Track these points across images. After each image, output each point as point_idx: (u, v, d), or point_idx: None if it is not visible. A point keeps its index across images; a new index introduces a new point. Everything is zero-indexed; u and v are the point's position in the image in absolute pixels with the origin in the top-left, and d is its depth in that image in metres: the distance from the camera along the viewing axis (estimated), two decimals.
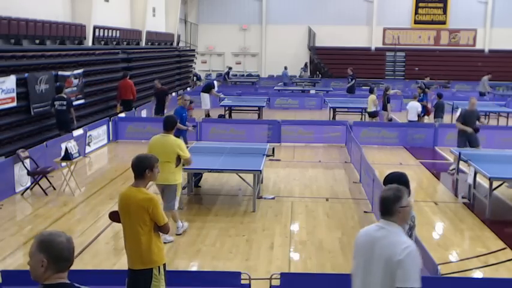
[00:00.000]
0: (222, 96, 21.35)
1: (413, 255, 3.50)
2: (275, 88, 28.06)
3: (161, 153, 7.12)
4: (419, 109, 16.36)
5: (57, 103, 13.24)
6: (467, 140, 12.14)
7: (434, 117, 16.54)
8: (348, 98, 22.96)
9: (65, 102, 13.28)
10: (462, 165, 11.36)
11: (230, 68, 33.95)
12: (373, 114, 17.39)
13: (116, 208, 5.06)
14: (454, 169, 12.22)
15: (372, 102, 17.21)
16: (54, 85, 14.14)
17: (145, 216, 4.80)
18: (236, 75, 35.47)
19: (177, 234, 8.08)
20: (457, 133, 12.42)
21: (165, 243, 7.84)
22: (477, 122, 12.29)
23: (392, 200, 3.62)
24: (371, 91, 17.71)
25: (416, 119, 16.27)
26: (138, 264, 4.84)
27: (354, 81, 25.87)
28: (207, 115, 19.74)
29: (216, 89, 21.22)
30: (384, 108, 17.27)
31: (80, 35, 17.49)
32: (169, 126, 7.94)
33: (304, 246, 7.91)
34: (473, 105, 12.39)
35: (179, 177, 7.91)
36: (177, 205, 8.03)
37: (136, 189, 4.89)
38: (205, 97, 20.41)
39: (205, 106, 20.26)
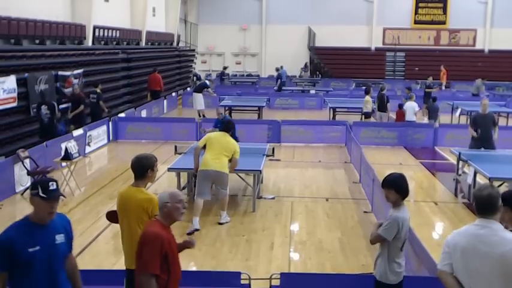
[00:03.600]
0: (214, 95, 21.52)
1: None
2: (275, 88, 28.05)
3: (220, 147, 8.52)
4: (417, 109, 16.45)
5: (91, 96, 15.49)
6: (482, 146, 11.50)
7: (429, 118, 16.66)
8: (348, 98, 22.94)
9: (95, 96, 15.53)
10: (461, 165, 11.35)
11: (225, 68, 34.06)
12: (368, 115, 17.49)
13: (114, 208, 5.06)
14: (461, 174, 11.54)
15: (367, 102, 17.37)
16: (53, 85, 14.18)
17: (144, 217, 4.79)
18: (236, 75, 35.47)
19: (219, 223, 8.68)
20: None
21: (221, 223, 8.65)
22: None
23: (496, 197, 3.64)
24: (367, 92, 17.81)
25: (414, 118, 16.36)
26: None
27: (279, 80, 26.45)
28: (203, 115, 19.67)
29: (209, 88, 21.42)
30: (382, 108, 17.31)
31: (80, 35, 17.50)
32: (228, 128, 8.92)
33: (304, 246, 7.91)
34: (485, 108, 11.57)
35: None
36: (228, 192, 8.78)
37: (136, 189, 4.88)
38: (199, 97, 20.42)
39: (200, 106, 20.26)
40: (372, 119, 17.51)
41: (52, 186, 3.72)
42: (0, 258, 3.63)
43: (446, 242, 3.84)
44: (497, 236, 3.57)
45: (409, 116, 16.29)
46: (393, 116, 18.18)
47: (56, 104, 13.18)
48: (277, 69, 28.78)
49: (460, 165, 11.36)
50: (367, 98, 17.38)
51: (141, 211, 4.78)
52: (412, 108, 16.29)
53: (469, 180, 10.42)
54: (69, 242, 3.96)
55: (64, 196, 3.92)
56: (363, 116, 17.84)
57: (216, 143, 8.58)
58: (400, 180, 4.75)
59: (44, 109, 12.70)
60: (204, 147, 8.71)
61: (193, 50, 34.02)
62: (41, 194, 3.68)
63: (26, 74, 12.96)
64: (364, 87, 19.68)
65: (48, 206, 3.70)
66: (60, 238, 3.82)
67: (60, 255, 3.84)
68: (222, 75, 32.07)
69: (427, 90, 21.77)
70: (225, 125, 9.07)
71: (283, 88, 28.50)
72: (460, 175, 11.47)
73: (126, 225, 4.86)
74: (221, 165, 8.52)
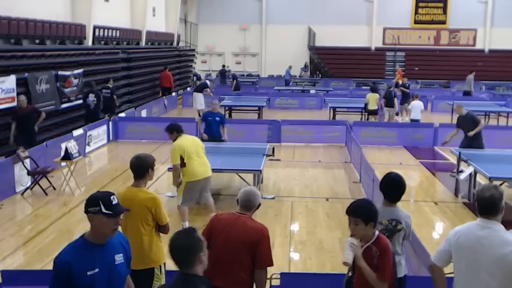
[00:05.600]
0: (212, 95, 21.47)
1: None
2: (275, 88, 28.09)
3: (196, 149, 7.99)
4: (422, 108, 16.89)
5: (104, 91, 16.42)
6: (468, 145, 11.76)
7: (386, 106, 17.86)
8: (348, 98, 22.93)
9: (109, 91, 16.67)
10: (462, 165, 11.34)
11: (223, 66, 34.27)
12: (374, 113, 17.74)
13: None
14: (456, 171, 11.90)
15: (374, 100, 17.55)
16: (54, 85, 14.18)
17: (148, 216, 4.78)
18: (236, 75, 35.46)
19: None
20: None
21: None
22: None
23: (499, 198, 3.63)
24: (374, 90, 18.02)
25: (419, 117, 16.68)
26: (140, 264, 4.81)
27: (235, 80, 27.04)
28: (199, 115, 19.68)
29: (209, 88, 21.40)
30: (390, 104, 17.79)
31: (80, 35, 17.50)
32: (180, 129, 8.09)
33: (304, 246, 7.91)
34: (459, 110, 12.23)
35: None
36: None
37: (138, 189, 4.87)
38: (199, 97, 20.45)
39: (200, 106, 20.28)
40: (378, 117, 17.94)
41: (114, 200, 3.42)
42: (58, 284, 3.32)
43: (447, 239, 3.85)
44: (499, 237, 3.57)
45: (415, 115, 16.64)
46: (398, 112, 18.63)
47: (100, 93, 15.78)
48: (228, 70, 30.85)
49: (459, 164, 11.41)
50: (376, 95, 17.63)
51: (145, 211, 4.78)
52: (418, 107, 16.65)
53: (462, 177, 10.41)
54: (128, 262, 3.65)
55: (127, 210, 3.68)
56: (367, 113, 18.02)
57: (191, 148, 7.94)
58: (402, 181, 4.80)
59: (92, 97, 15.40)
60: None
61: (193, 50, 34.04)
62: (104, 210, 3.36)
63: (26, 74, 12.96)
64: (369, 86, 20.00)
65: (113, 223, 3.41)
66: (119, 258, 3.52)
67: (120, 276, 3.54)
68: (224, 73, 32.21)
69: (402, 89, 21.78)
70: (177, 127, 8.09)
71: (285, 88, 28.59)
72: (454, 172, 11.70)
73: (130, 226, 4.83)
74: (208, 168, 8.16)
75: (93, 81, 16.15)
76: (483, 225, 3.64)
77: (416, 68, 33.89)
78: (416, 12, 35.60)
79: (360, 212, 4.16)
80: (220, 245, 4.34)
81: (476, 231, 3.66)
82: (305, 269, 7.08)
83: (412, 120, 16.70)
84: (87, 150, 13.81)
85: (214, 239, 4.37)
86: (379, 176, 5.08)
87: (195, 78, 31.89)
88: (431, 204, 10.14)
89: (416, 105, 16.71)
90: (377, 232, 4.11)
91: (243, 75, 36.36)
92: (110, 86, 17.00)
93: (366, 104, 17.99)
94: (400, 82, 28.49)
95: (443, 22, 35.46)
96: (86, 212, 3.42)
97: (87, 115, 15.50)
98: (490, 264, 3.54)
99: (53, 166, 10.88)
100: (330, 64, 34.80)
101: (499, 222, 3.63)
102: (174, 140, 7.99)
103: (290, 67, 32.52)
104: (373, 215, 4.13)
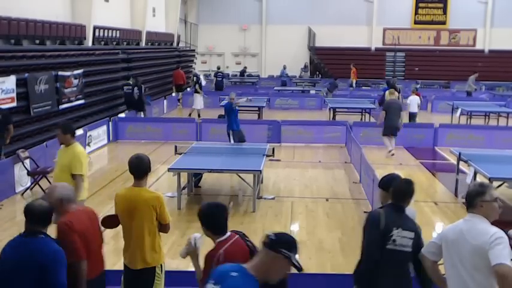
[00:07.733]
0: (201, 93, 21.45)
1: (502, 240, 3.64)
2: (275, 88, 28.08)
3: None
4: (419, 102, 17.89)
5: (125, 88, 18.20)
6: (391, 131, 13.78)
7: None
8: (348, 99, 22.94)
9: (130, 87, 18.17)
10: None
11: (245, 67, 34.72)
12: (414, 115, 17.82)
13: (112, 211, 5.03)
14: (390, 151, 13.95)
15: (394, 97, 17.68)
16: (54, 85, 14.18)
17: (153, 215, 4.80)
18: (236, 75, 35.48)
19: None
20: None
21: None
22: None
23: (474, 194, 3.84)
24: (393, 86, 17.73)
25: (416, 111, 17.63)
26: (141, 263, 4.82)
27: (216, 79, 27.45)
28: (198, 115, 19.73)
29: (204, 82, 21.70)
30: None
31: (80, 35, 17.49)
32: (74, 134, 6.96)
33: (304, 246, 7.90)
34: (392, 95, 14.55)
35: None
36: None
37: (140, 189, 4.87)
38: (197, 97, 20.78)
39: (199, 106, 20.52)
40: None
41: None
42: None
43: (440, 234, 4.08)
44: (476, 229, 3.74)
45: (412, 108, 17.52)
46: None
47: (143, 86, 18.30)
48: (218, 68, 30.88)
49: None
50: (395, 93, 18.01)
51: (150, 210, 4.79)
52: (415, 102, 17.58)
53: (468, 180, 10.41)
54: None
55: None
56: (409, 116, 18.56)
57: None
58: (405, 186, 4.72)
59: (136, 89, 17.92)
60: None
61: (193, 50, 34.03)
62: (293, 261, 3.15)
63: (26, 74, 12.95)
64: (387, 82, 20.54)
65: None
66: None
67: None
68: (242, 73, 32.75)
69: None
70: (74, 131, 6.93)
71: (285, 88, 28.58)
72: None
73: (135, 226, 4.83)
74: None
75: (138, 77, 19.00)
76: (467, 219, 3.85)
77: (417, 69, 33.89)
78: (416, 13, 35.59)
79: (200, 215, 3.96)
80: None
81: (461, 226, 3.86)
82: (305, 269, 7.06)
83: (410, 114, 17.37)
84: (87, 151, 13.77)
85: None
86: (379, 176, 5.07)
87: (195, 78, 31.84)
88: (431, 204, 10.14)
89: (413, 99, 17.62)
90: (220, 239, 3.85)
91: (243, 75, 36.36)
92: (131, 82, 18.40)
93: (383, 101, 18.15)
94: (354, 81, 28.72)
95: (443, 22, 35.45)
96: (274, 249, 3.07)
97: (132, 104, 18.13)
98: (471, 257, 3.69)
99: (53, 166, 10.83)
100: (330, 64, 34.77)
101: (482, 216, 3.79)
102: (67, 145, 6.75)
103: (284, 67, 32.56)
104: (205, 221, 3.90)
